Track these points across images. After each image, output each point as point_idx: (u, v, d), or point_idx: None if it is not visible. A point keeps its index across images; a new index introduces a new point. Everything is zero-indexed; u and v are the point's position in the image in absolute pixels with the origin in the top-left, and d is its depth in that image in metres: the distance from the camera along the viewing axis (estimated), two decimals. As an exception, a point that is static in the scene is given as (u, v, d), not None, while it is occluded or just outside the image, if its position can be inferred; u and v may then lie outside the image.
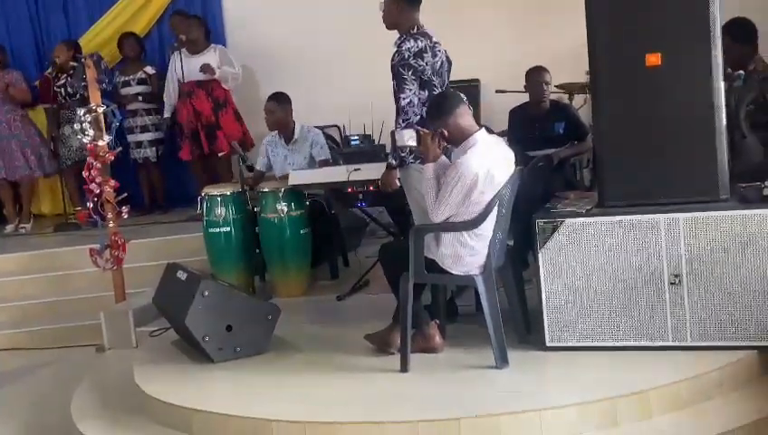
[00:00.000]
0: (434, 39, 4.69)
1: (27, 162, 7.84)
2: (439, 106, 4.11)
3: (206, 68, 7.48)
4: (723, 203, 3.94)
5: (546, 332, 4.09)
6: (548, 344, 4.09)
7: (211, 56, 7.61)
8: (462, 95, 4.17)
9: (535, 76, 5.74)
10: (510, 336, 4.08)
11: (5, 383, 5.36)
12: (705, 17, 3.89)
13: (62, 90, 7.78)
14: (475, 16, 7.73)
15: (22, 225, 7.99)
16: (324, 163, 6.09)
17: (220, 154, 7.59)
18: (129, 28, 8.36)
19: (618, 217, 3.96)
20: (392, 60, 4.56)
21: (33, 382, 5.34)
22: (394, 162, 4.45)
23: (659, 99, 3.99)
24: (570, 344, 4.05)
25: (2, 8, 8.75)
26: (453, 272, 4.04)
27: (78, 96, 7.51)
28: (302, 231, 5.76)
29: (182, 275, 4.75)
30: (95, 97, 5.66)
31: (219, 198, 5.76)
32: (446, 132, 3.99)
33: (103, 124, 5.64)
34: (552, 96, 5.98)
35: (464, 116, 4.04)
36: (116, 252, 5.68)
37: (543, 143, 5.61)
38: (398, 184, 4.53)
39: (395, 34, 4.74)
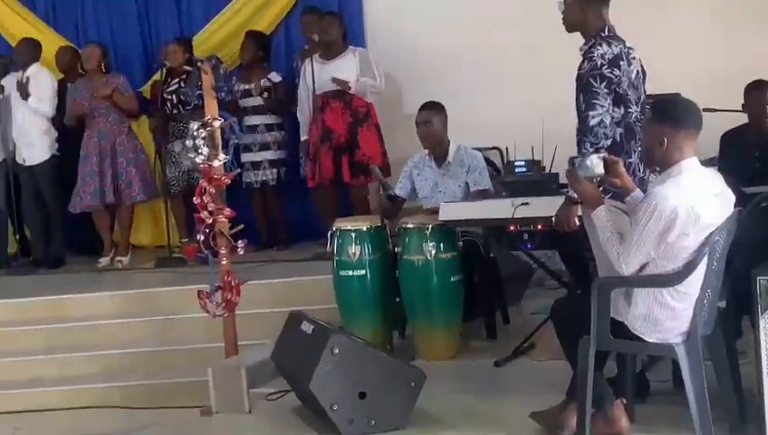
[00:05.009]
0: (627, 44, 4.66)
1: (131, 185, 8.18)
2: (681, 112, 3.98)
3: (338, 82, 7.57)
4: None
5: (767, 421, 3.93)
6: (770, 438, 3.94)
7: (350, 61, 7.71)
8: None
9: (758, 94, 5.61)
10: (719, 424, 3.97)
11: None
12: None
13: (173, 97, 8.07)
14: (674, 16, 7.64)
15: (118, 258, 8.31)
16: (482, 194, 6.07)
17: (352, 181, 7.66)
18: (252, 26, 8.59)
19: None
20: (580, 68, 4.54)
21: (127, 449, 5.53)
22: (576, 196, 4.40)
23: None
24: (799, 439, 3.89)
25: (107, 4, 9.22)
26: (647, 339, 3.95)
27: (191, 106, 7.77)
28: (452, 278, 5.76)
29: (307, 328, 4.82)
30: (211, 108, 5.77)
31: (353, 235, 5.84)
32: (664, 141, 3.90)
33: (220, 141, 5.75)
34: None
35: (690, 140, 3.94)
36: (228, 295, 5.74)
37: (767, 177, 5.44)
38: (578, 223, 4.47)
39: (577, 36, 4.72)
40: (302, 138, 7.98)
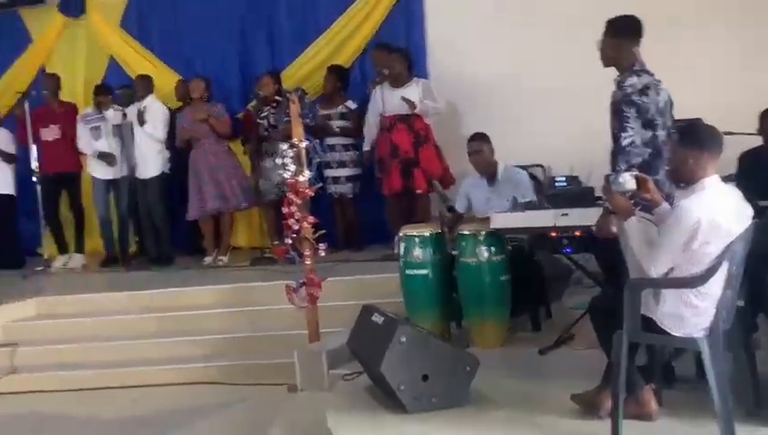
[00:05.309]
0: (656, 77, 4.58)
1: (234, 193, 8.26)
2: (704, 136, 3.88)
3: (406, 101, 7.58)
4: None
5: (780, 406, 3.82)
6: (782, 421, 3.82)
7: (414, 90, 7.72)
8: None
9: (772, 120, 5.46)
10: (736, 408, 3.82)
11: (199, 417, 5.58)
12: None
13: (265, 122, 8.12)
14: (697, 49, 7.48)
15: (220, 257, 8.39)
16: (529, 206, 6.00)
17: (418, 191, 7.64)
18: (333, 61, 8.64)
19: None
20: (613, 97, 4.48)
21: (226, 419, 5.54)
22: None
23: None
24: (809, 423, 3.76)
25: (210, 44, 9.32)
26: (673, 333, 3.85)
27: (280, 129, 7.79)
28: (502, 278, 5.68)
29: (378, 319, 4.79)
30: (298, 132, 5.83)
31: (418, 239, 5.80)
32: (689, 162, 3.80)
33: (305, 160, 5.80)
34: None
35: (713, 160, 3.84)
36: (311, 290, 5.79)
37: (779, 192, 5.29)
38: (615, 231, 4.38)
39: (610, 72, 4.66)
40: (365, 148, 8.08)
